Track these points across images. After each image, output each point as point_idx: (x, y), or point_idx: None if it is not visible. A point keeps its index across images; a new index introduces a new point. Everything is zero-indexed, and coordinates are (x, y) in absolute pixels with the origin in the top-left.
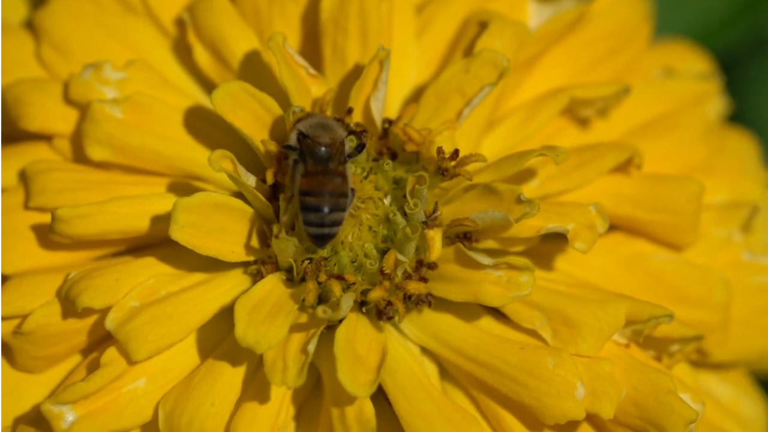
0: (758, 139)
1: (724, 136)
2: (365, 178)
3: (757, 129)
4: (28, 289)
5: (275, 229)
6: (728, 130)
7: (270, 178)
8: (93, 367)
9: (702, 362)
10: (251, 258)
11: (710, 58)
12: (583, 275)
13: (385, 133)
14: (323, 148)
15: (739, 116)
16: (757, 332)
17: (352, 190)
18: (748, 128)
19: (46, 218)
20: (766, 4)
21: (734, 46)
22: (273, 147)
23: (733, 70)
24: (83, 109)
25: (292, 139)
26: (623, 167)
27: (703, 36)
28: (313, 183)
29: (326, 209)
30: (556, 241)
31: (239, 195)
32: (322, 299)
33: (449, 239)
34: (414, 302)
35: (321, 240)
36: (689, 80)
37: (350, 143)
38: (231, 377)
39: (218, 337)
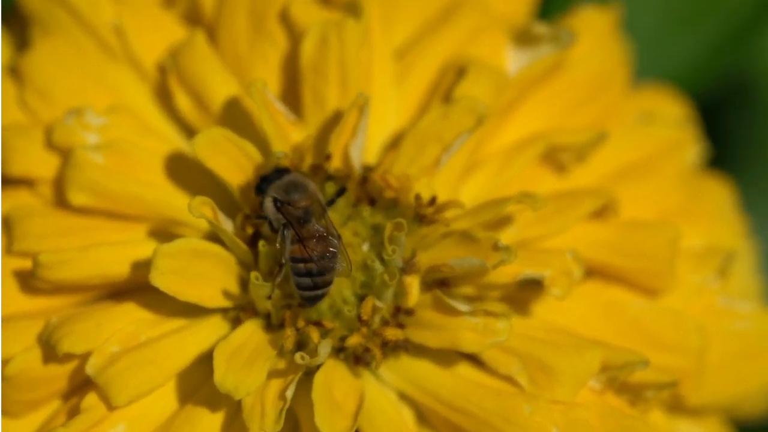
0: (737, 183)
1: (701, 181)
2: (344, 224)
3: (736, 173)
4: (9, 335)
5: (252, 275)
6: (705, 175)
7: (249, 228)
8: (73, 412)
9: (678, 407)
10: (230, 304)
11: (689, 104)
12: (560, 321)
13: (364, 179)
14: (305, 212)
15: (718, 160)
16: (731, 377)
17: (339, 236)
18: (727, 172)
19: (27, 263)
20: (742, 46)
21: (713, 89)
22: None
23: (712, 113)
24: (65, 155)
25: (269, 208)
26: (600, 213)
27: (681, 78)
28: (306, 250)
29: (316, 271)
30: (534, 287)
31: (219, 240)
32: (300, 345)
33: (427, 285)
34: (391, 348)
35: (313, 301)
36: (667, 126)
37: (328, 189)
38: (210, 423)
39: (197, 383)
